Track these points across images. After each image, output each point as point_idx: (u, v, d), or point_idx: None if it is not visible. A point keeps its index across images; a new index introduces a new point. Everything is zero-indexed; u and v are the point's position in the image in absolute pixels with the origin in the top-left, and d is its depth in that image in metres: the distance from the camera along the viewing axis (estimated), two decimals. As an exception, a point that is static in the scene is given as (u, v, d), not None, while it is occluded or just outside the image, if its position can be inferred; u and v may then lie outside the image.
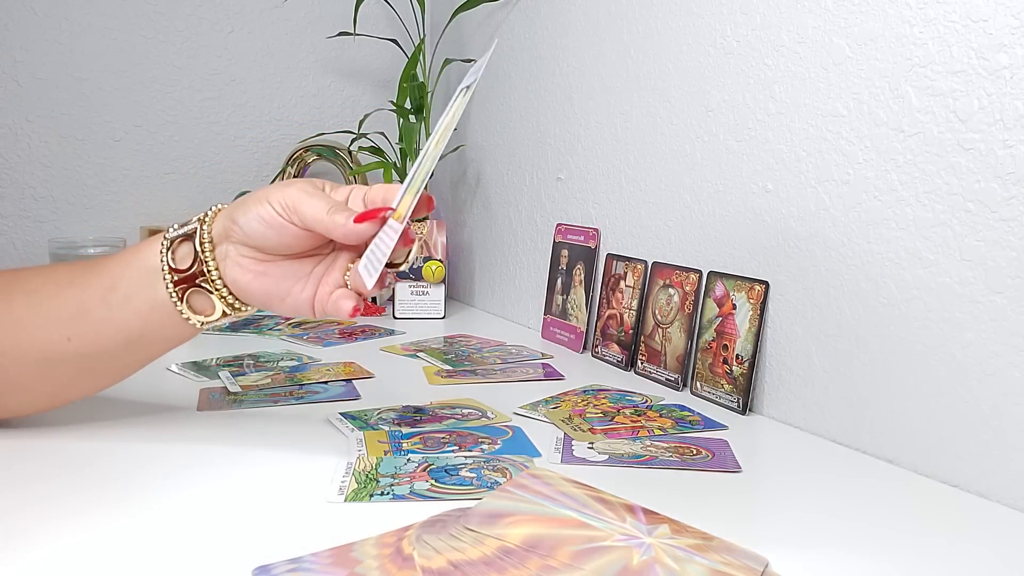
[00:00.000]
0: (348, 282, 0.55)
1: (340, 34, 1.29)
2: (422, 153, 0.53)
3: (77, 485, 0.50)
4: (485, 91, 1.27)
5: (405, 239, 0.52)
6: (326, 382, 0.77)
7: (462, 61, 1.30)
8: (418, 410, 0.68)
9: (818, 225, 0.67)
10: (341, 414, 0.66)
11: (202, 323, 0.55)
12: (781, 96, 0.70)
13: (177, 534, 0.43)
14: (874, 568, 0.42)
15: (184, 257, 0.54)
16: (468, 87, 0.52)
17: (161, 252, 0.54)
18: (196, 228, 0.54)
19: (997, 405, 0.53)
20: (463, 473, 0.53)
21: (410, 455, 0.57)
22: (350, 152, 1.31)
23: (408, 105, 1.22)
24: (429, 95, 1.25)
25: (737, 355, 0.72)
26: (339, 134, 1.31)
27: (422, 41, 1.23)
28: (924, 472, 0.57)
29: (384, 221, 0.53)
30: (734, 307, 0.74)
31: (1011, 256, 0.52)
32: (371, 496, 0.49)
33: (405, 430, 0.63)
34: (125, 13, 1.27)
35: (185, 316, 0.55)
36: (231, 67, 1.35)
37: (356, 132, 1.19)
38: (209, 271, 0.54)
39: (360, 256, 0.55)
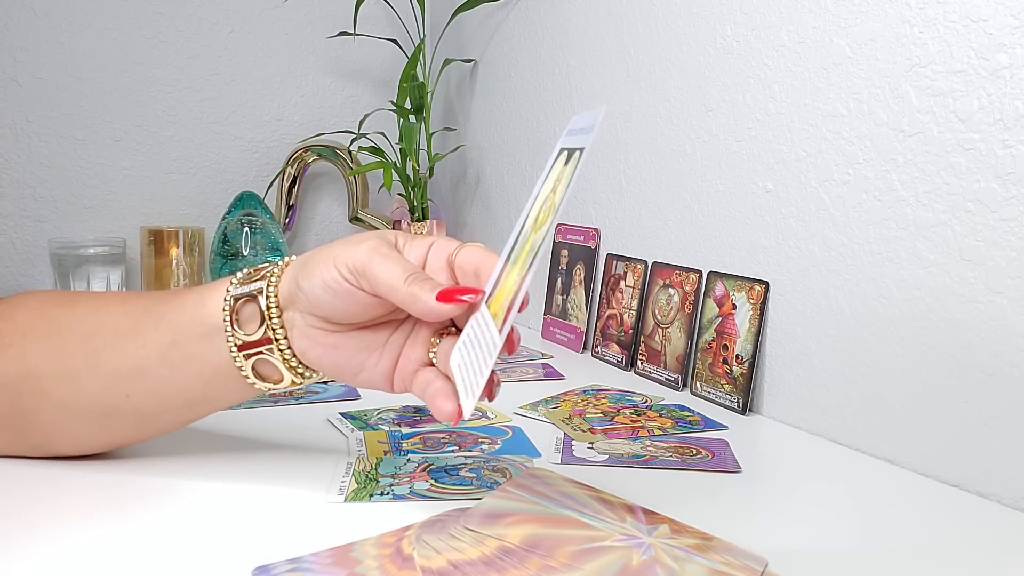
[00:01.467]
0: (435, 360, 0.47)
1: (340, 34, 1.29)
2: (517, 227, 0.43)
3: (76, 486, 0.50)
4: (485, 91, 1.27)
5: (508, 346, 0.43)
6: (326, 382, 0.77)
7: (462, 61, 1.30)
8: (418, 410, 0.68)
9: (818, 225, 0.67)
10: (341, 414, 0.66)
11: (269, 389, 0.49)
12: (781, 96, 0.70)
13: (177, 534, 0.43)
14: (874, 568, 0.42)
15: (249, 320, 0.47)
16: (571, 151, 0.42)
17: (224, 311, 0.48)
18: (262, 288, 0.47)
19: (997, 405, 0.53)
20: (463, 473, 0.53)
21: (410, 455, 0.57)
22: (350, 152, 1.31)
23: (408, 105, 1.22)
24: (429, 95, 1.25)
25: (737, 355, 0.72)
26: (339, 134, 1.31)
27: (422, 41, 1.23)
28: (924, 472, 0.57)
29: (472, 308, 0.44)
30: (734, 307, 0.74)
31: (1011, 256, 0.52)
32: (371, 496, 0.49)
33: (405, 430, 0.63)
34: (125, 13, 1.27)
35: (251, 382, 0.49)
36: (231, 67, 1.35)
37: (356, 132, 1.19)
38: (277, 339, 0.47)
39: (445, 331, 0.47)
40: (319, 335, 0.47)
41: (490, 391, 0.44)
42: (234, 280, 0.49)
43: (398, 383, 0.48)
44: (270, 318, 0.47)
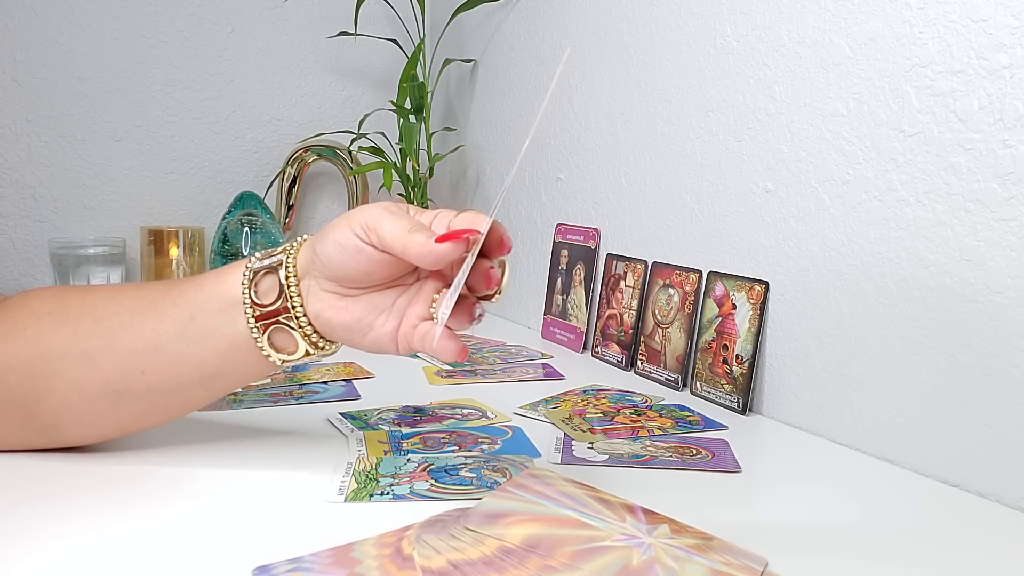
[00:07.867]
0: (435, 315, 0.49)
1: (340, 34, 1.29)
2: (503, 188, 0.49)
3: (77, 485, 0.50)
4: (485, 91, 1.27)
5: (486, 275, 0.48)
6: (326, 382, 0.77)
7: (462, 61, 1.30)
8: (418, 410, 0.68)
9: (818, 225, 0.67)
10: (341, 414, 0.66)
11: (283, 361, 0.51)
12: (781, 96, 0.70)
13: (177, 534, 0.43)
14: (874, 568, 0.42)
15: (268, 291, 0.50)
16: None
17: (243, 284, 0.50)
18: (281, 260, 0.50)
19: (997, 405, 0.53)
20: (463, 473, 0.53)
21: (410, 455, 0.57)
22: (350, 152, 1.31)
23: (408, 105, 1.22)
24: (429, 95, 1.25)
25: (737, 355, 0.72)
26: (339, 134, 1.31)
27: (422, 41, 1.23)
28: (925, 472, 0.57)
29: (468, 243, 0.47)
30: (734, 307, 0.74)
31: (1011, 256, 0.52)
32: (371, 496, 0.49)
33: (405, 430, 0.63)
34: (125, 13, 1.27)
35: (266, 354, 0.51)
36: (231, 67, 1.35)
37: (356, 132, 1.19)
38: (294, 307, 0.50)
39: (445, 289, 0.51)
40: (332, 298, 0.50)
41: (470, 312, 0.49)
42: (253, 258, 0.51)
43: (402, 343, 0.51)
44: (288, 287, 0.50)
